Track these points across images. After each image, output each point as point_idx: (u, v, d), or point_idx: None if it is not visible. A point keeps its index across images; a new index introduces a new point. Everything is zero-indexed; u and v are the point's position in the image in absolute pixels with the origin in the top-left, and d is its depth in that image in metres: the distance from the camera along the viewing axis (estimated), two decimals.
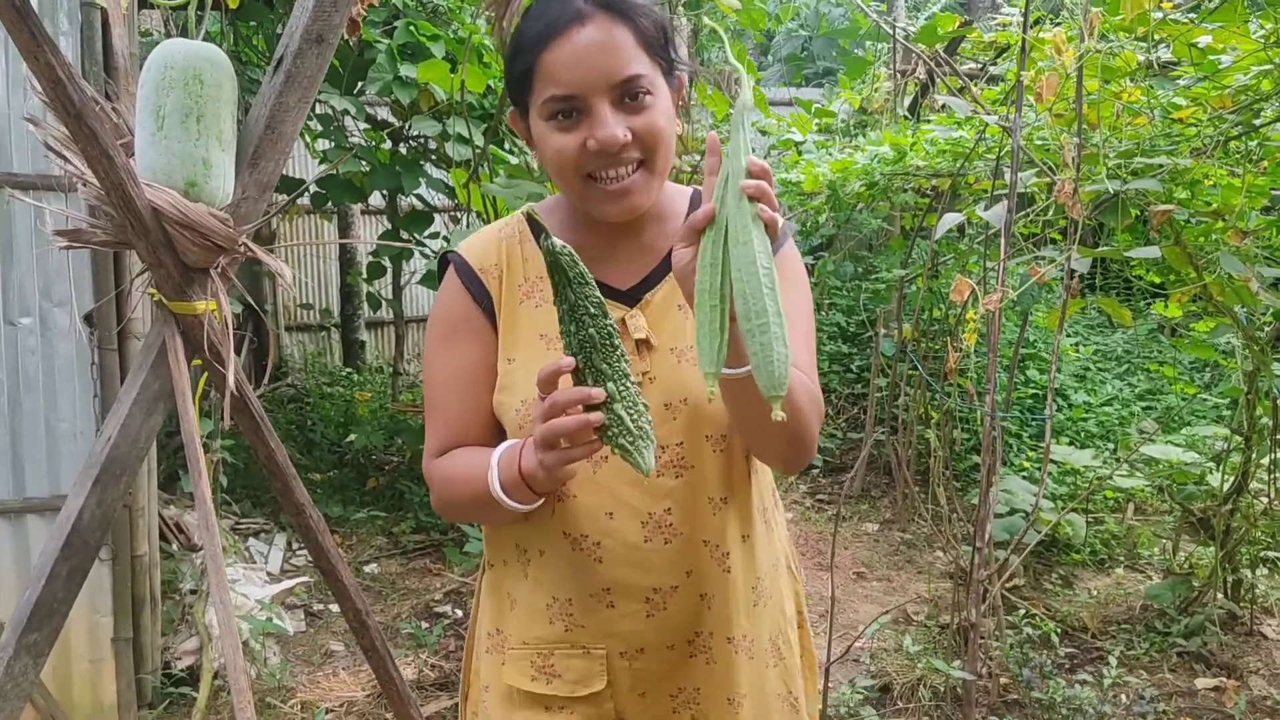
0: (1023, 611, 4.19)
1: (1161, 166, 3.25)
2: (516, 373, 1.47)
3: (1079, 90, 2.98)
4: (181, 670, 3.79)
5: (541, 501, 1.40)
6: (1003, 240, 3.15)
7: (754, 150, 1.20)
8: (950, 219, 3.56)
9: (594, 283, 1.21)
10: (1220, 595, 4.16)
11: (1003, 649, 3.89)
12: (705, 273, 1.18)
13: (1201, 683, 3.81)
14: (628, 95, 1.35)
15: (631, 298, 1.49)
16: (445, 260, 1.58)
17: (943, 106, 5.34)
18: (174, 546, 4.25)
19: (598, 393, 1.19)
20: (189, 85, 1.93)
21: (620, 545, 1.44)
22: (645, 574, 1.45)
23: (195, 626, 3.88)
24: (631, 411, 1.21)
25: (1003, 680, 3.77)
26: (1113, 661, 3.79)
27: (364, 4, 2.19)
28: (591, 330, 1.21)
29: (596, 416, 1.18)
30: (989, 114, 3.51)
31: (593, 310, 1.21)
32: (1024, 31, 3.06)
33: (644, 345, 1.46)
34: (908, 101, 6.88)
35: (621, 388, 1.21)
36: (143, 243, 1.97)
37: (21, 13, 1.65)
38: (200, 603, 3.93)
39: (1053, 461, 5.63)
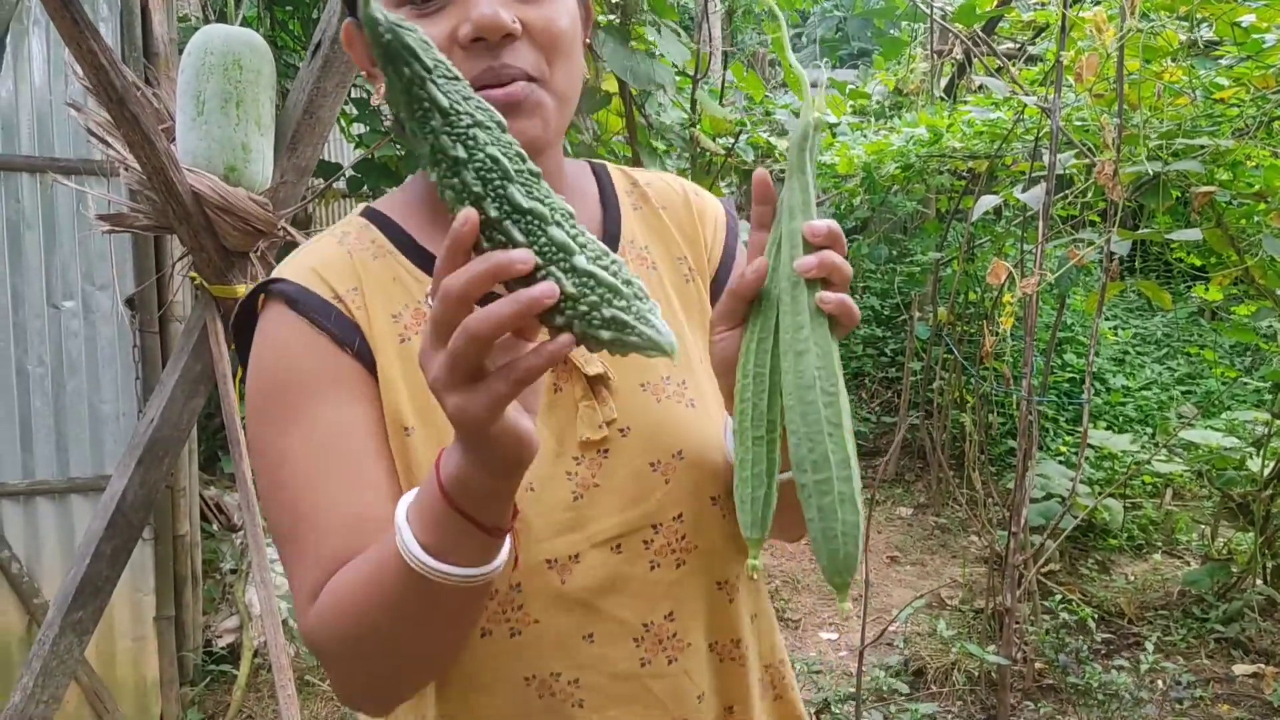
0: (1059, 597, 4.17)
1: (1203, 148, 3.20)
2: (418, 448, 0.96)
3: (1120, 70, 2.95)
4: (222, 648, 3.85)
5: (501, 562, 0.85)
6: (1040, 223, 3.13)
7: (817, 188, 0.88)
8: (987, 201, 3.53)
9: (463, 79, 0.75)
10: (1260, 581, 4.12)
11: (1038, 634, 3.87)
12: (748, 387, 0.87)
13: (1240, 669, 3.78)
14: None
15: None
16: (258, 295, 1.03)
17: (980, 87, 5.29)
18: (214, 527, 4.31)
19: (523, 255, 0.70)
20: (228, 71, 1.96)
21: (608, 678, 1.00)
22: (646, 712, 1.02)
23: (236, 605, 3.93)
24: (597, 260, 0.74)
25: (1038, 665, 3.75)
26: (1149, 647, 3.77)
27: None
28: (492, 150, 0.72)
29: (544, 288, 0.70)
30: (1027, 95, 3.47)
31: (479, 116, 0.73)
32: (1064, 10, 3.02)
33: (600, 384, 1.03)
34: (944, 82, 6.82)
35: (572, 230, 0.74)
36: (184, 227, 2.00)
37: (65, 1, 1.67)
38: (240, 582, 3.99)
39: (1090, 446, 5.58)
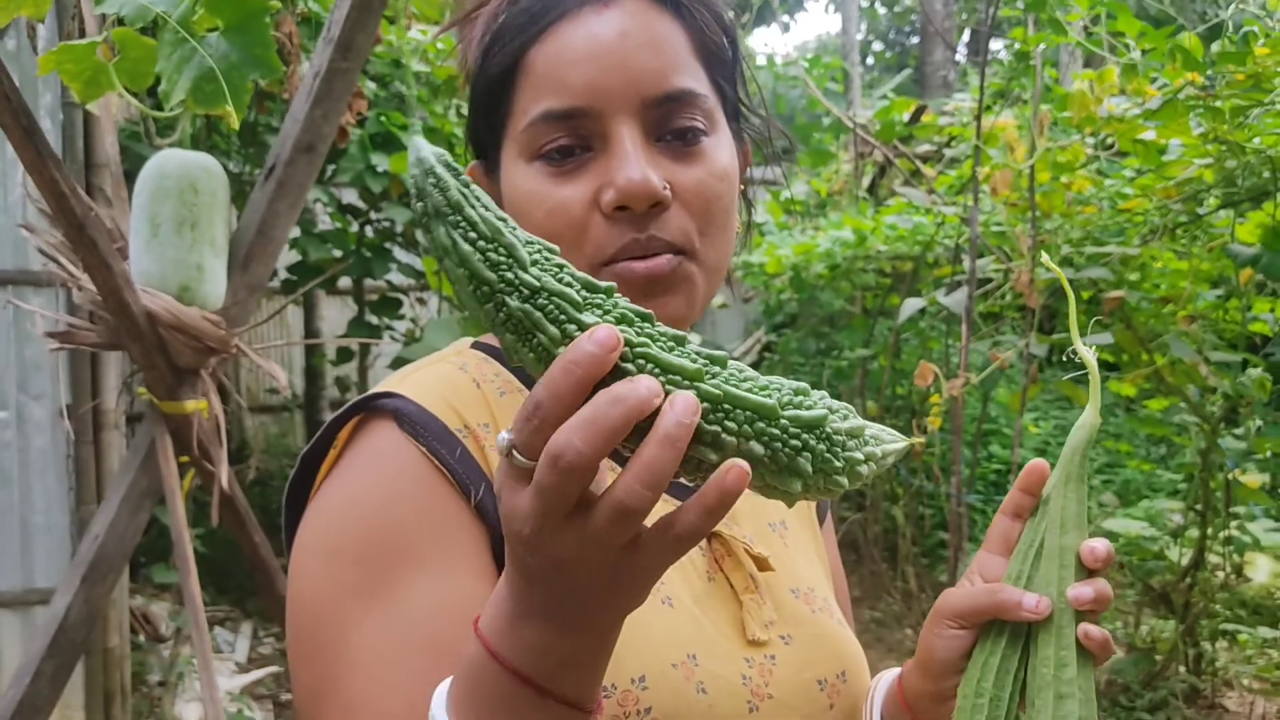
0: None
1: (1110, 254, 3.39)
2: None
3: (1031, 186, 3.12)
4: None
5: None
6: (964, 327, 3.27)
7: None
8: (912, 304, 3.69)
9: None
10: (1182, 669, 4.24)
11: None
12: (979, 710, 0.79)
13: None
14: (671, 126, 0.83)
15: None
16: (359, 410, 0.85)
17: (894, 193, 5.52)
18: (141, 638, 4.21)
19: (649, 384, 0.55)
20: (184, 195, 2.01)
21: None
22: None
23: None
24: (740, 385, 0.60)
25: None
26: None
27: (354, 114, 2.27)
28: (569, 288, 0.60)
29: (683, 403, 0.55)
30: (945, 204, 3.65)
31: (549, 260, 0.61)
32: (978, 128, 3.21)
33: (763, 568, 0.91)
34: (866, 181, 7.08)
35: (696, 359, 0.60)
36: (136, 345, 2.02)
37: (29, 131, 1.72)
38: (169, 695, 3.89)
39: None
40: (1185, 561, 4.18)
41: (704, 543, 0.88)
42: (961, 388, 3.11)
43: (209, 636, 2.13)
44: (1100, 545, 0.79)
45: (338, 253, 5.26)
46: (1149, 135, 3.38)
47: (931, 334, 5.32)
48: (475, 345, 0.93)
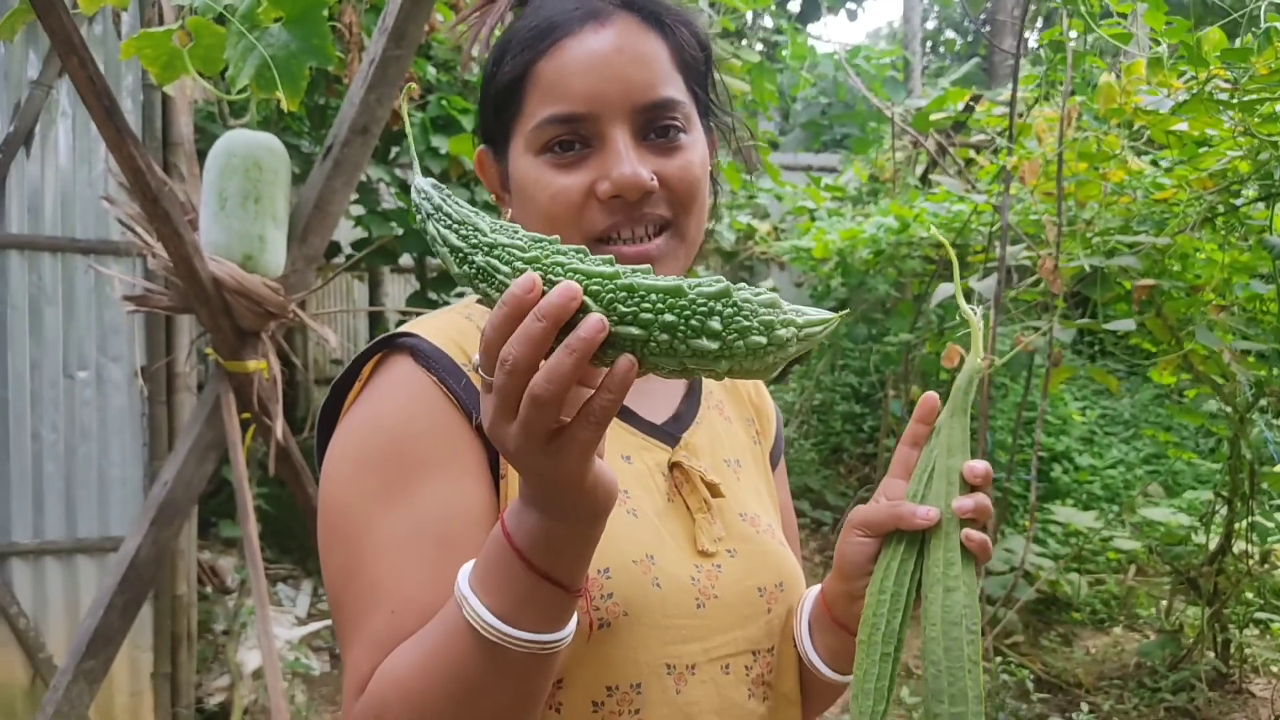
0: (999, 659, 4.33)
1: (1142, 244, 3.46)
2: None
3: (1059, 175, 3.22)
4: (213, 706, 3.99)
5: (571, 630, 0.82)
6: (993, 311, 3.37)
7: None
8: (944, 290, 3.79)
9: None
10: (1210, 654, 4.29)
11: (993, 703, 4.03)
12: (883, 604, 0.94)
13: None
14: (655, 127, 0.99)
15: (669, 435, 1.08)
16: (377, 350, 1.00)
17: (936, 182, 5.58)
18: (208, 589, 4.47)
19: (567, 289, 0.70)
20: (249, 171, 2.20)
21: None
22: None
23: (227, 665, 4.08)
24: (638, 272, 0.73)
25: None
26: (1085, 707, 3.94)
27: (406, 97, 2.45)
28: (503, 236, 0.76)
29: (592, 321, 0.69)
30: (980, 194, 3.74)
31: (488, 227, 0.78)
32: (1011, 120, 3.30)
33: (715, 493, 1.06)
34: (920, 170, 7.13)
35: (594, 260, 0.73)
36: (204, 309, 2.22)
37: (110, 112, 1.92)
38: (232, 642, 4.14)
39: (1056, 523, 5.79)
40: (1212, 548, 4.24)
41: (666, 470, 1.05)
42: (987, 369, 3.22)
43: (265, 578, 2.33)
44: (979, 465, 0.93)
45: (400, 230, 5.47)
46: (1181, 126, 3.44)
47: None
48: (480, 300, 1.09)
